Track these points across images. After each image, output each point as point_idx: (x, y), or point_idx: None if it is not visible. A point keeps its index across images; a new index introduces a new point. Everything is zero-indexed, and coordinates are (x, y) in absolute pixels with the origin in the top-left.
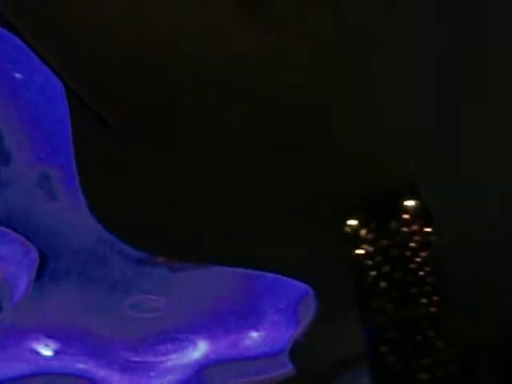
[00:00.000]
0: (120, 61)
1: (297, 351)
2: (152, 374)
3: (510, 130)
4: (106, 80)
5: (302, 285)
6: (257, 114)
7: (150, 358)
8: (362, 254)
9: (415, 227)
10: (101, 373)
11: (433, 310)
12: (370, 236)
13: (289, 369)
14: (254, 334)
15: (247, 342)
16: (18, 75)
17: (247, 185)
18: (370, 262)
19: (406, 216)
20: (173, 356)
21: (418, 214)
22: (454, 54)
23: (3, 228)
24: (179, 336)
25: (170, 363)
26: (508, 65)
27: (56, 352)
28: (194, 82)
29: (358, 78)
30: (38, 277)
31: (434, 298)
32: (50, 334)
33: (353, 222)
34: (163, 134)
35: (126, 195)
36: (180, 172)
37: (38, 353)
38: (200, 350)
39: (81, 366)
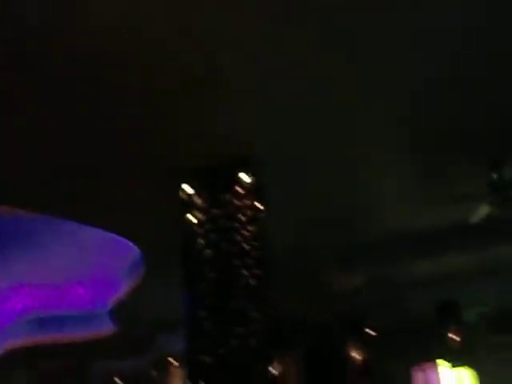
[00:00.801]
0: None
1: (120, 310)
2: None
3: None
4: None
5: (131, 245)
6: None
7: None
8: (193, 222)
9: (247, 202)
10: None
11: (252, 282)
12: (203, 205)
13: (110, 327)
14: (79, 289)
15: (71, 297)
16: None
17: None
18: (200, 230)
19: (239, 190)
20: None
21: (251, 190)
22: None
23: None
24: (1, 284)
25: None
26: None
27: None
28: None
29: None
30: None
31: (256, 271)
32: None
33: (188, 190)
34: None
35: None
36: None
37: None
38: (23, 300)
39: None
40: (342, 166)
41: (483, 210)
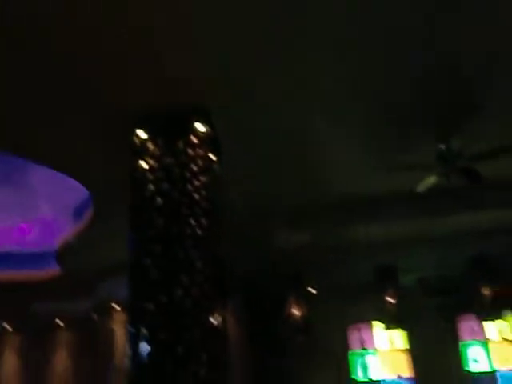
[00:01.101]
0: None
1: (65, 252)
2: None
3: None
4: None
5: (80, 187)
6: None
7: None
8: (144, 168)
9: (200, 152)
10: None
11: (200, 232)
12: (156, 152)
13: (54, 268)
14: (24, 229)
15: (16, 236)
16: None
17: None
18: (151, 177)
19: (193, 139)
20: None
21: (205, 140)
22: None
23: None
24: None
25: None
26: None
27: None
28: None
29: None
30: None
31: (204, 221)
32: None
33: (142, 135)
34: None
35: None
36: None
37: None
38: None
39: None
40: (292, 130)
41: (430, 180)
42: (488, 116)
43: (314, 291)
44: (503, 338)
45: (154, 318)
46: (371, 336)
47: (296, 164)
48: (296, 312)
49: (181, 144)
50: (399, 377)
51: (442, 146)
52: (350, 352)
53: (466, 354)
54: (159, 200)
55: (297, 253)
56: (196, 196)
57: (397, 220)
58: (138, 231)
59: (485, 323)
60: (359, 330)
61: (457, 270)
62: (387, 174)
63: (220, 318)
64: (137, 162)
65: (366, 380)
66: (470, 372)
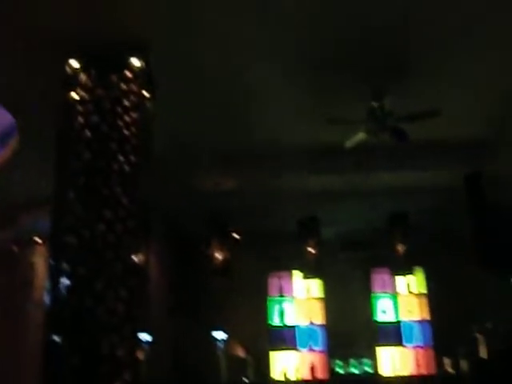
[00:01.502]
0: None
1: None
2: None
3: None
4: None
5: (6, 114)
6: None
7: None
8: (75, 99)
9: (134, 87)
10: None
11: (127, 168)
12: (89, 84)
13: None
14: None
15: None
16: None
17: None
18: (81, 109)
19: (127, 74)
20: None
21: (140, 76)
22: None
23: None
24: None
25: None
26: None
27: None
28: None
29: None
30: None
31: (132, 158)
32: None
33: (75, 64)
34: None
35: None
36: None
37: None
38: None
39: None
40: (226, 73)
41: (359, 136)
42: (420, 78)
43: (237, 236)
44: (410, 292)
45: (75, 252)
46: (290, 284)
47: (228, 107)
48: (218, 255)
49: (114, 78)
50: (312, 323)
51: (375, 104)
52: (268, 298)
53: (375, 305)
54: (88, 133)
55: (223, 197)
56: (126, 132)
57: (321, 173)
58: (63, 163)
59: (396, 277)
60: (279, 277)
61: (375, 225)
62: (317, 126)
63: (142, 256)
64: (67, 92)
65: (282, 325)
66: (377, 321)
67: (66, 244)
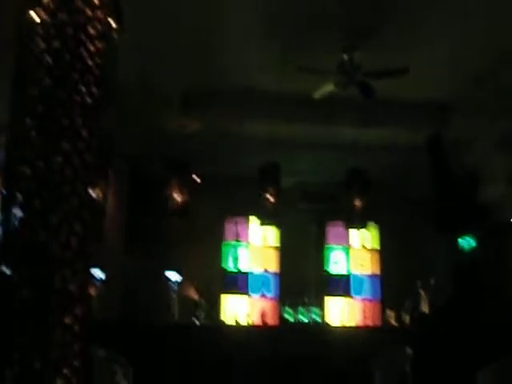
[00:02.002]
0: None
1: None
2: None
3: None
4: None
5: None
6: None
7: None
8: (36, 21)
9: (100, 15)
10: None
11: (89, 100)
12: (51, 5)
13: None
14: None
15: None
16: None
17: None
18: (41, 32)
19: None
20: None
21: (107, 3)
22: None
23: None
24: None
25: None
26: None
27: None
28: None
29: None
30: None
31: (94, 89)
32: None
33: None
34: None
35: None
36: None
37: None
38: None
39: None
40: (197, 11)
41: (327, 88)
42: (391, 37)
43: (197, 179)
44: (363, 246)
45: (29, 183)
46: (246, 230)
47: (195, 47)
48: (177, 197)
49: (79, 1)
50: (265, 271)
51: (345, 57)
52: (223, 242)
53: (328, 257)
54: (48, 59)
55: (186, 140)
56: (89, 62)
57: (285, 121)
58: (21, 89)
59: (350, 230)
60: (236, 223)
61: (335, 179)
62: (287, 76)
63: (100, 192)
64: (27, 12)
65: (235, 271)
66: (328, 273)
67: (20, 174)
